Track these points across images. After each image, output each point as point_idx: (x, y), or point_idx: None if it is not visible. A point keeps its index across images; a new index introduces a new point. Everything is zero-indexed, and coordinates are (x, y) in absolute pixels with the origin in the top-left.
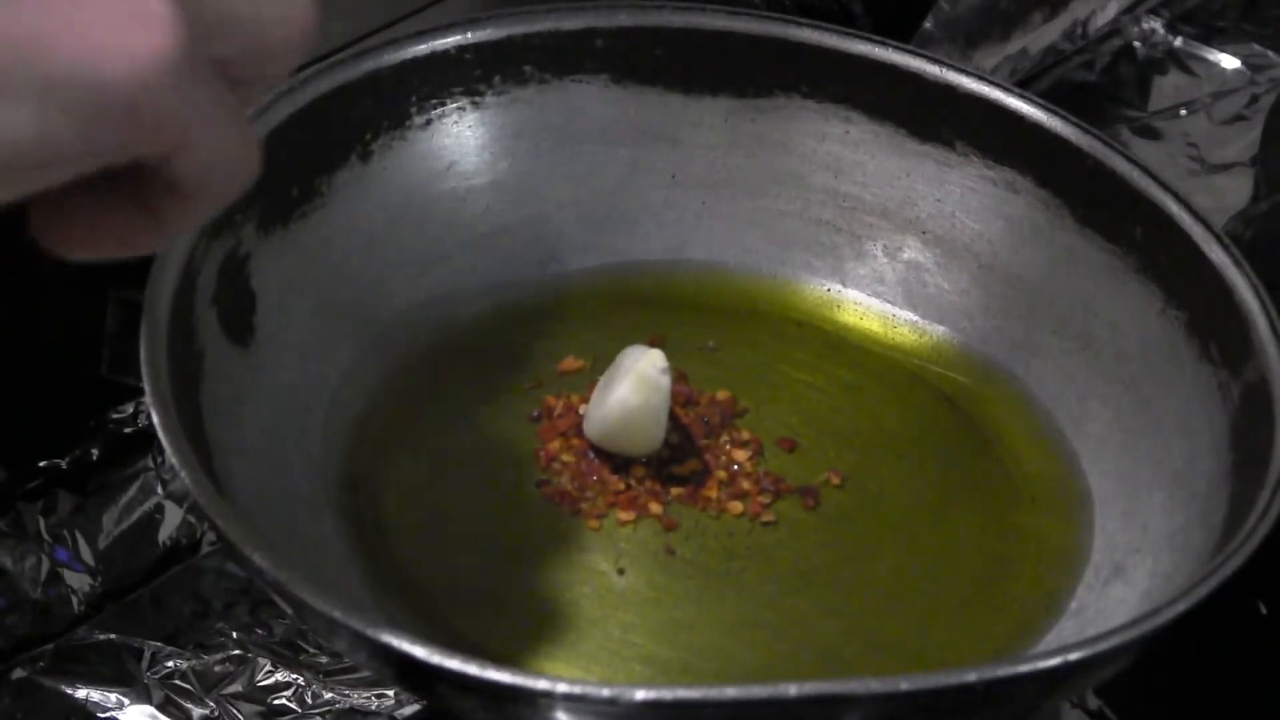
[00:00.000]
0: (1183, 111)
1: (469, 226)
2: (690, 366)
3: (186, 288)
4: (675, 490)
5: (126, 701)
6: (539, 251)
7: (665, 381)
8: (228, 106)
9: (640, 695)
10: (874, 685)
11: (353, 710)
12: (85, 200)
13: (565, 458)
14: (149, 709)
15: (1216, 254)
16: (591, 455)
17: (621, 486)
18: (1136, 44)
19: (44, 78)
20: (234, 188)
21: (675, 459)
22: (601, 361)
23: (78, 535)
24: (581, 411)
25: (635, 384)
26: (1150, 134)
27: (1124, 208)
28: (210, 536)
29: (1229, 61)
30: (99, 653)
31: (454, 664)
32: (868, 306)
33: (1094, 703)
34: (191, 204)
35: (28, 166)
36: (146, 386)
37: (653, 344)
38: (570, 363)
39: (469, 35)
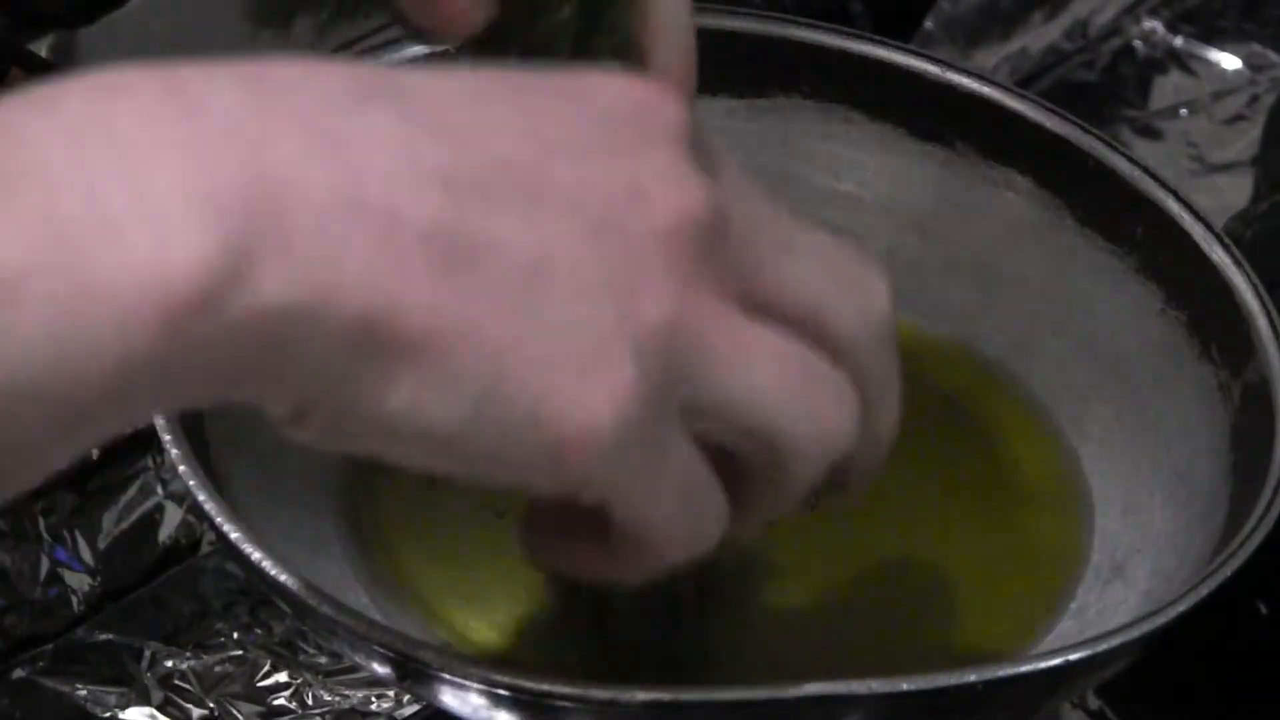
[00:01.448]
0: (1183, 111)
1: None
2: None
3: None
4: None
5: (126, 701)
6: None
7: None
8: (687, 477)
9: (640, 696)
10: (874, 685)
11: (353, 710)
12: (557, 514)
13: None
14: (149, 709)
15: (1217, 254)
16: None
17: None
18: (1137, 44)
19: (506, 420)
20: (682, 552)
21: None
22: None
23: (77, 535)
24: None
25: None
26: (1150, 134)
27: (1124, 208)
28: (210, 536)
29: (1229, 61)
30: (99, 653)
31: (455, 664)
32: None
33: (1094, 703)
34: (638, 553)
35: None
36: None
37: None
38: None
39: None
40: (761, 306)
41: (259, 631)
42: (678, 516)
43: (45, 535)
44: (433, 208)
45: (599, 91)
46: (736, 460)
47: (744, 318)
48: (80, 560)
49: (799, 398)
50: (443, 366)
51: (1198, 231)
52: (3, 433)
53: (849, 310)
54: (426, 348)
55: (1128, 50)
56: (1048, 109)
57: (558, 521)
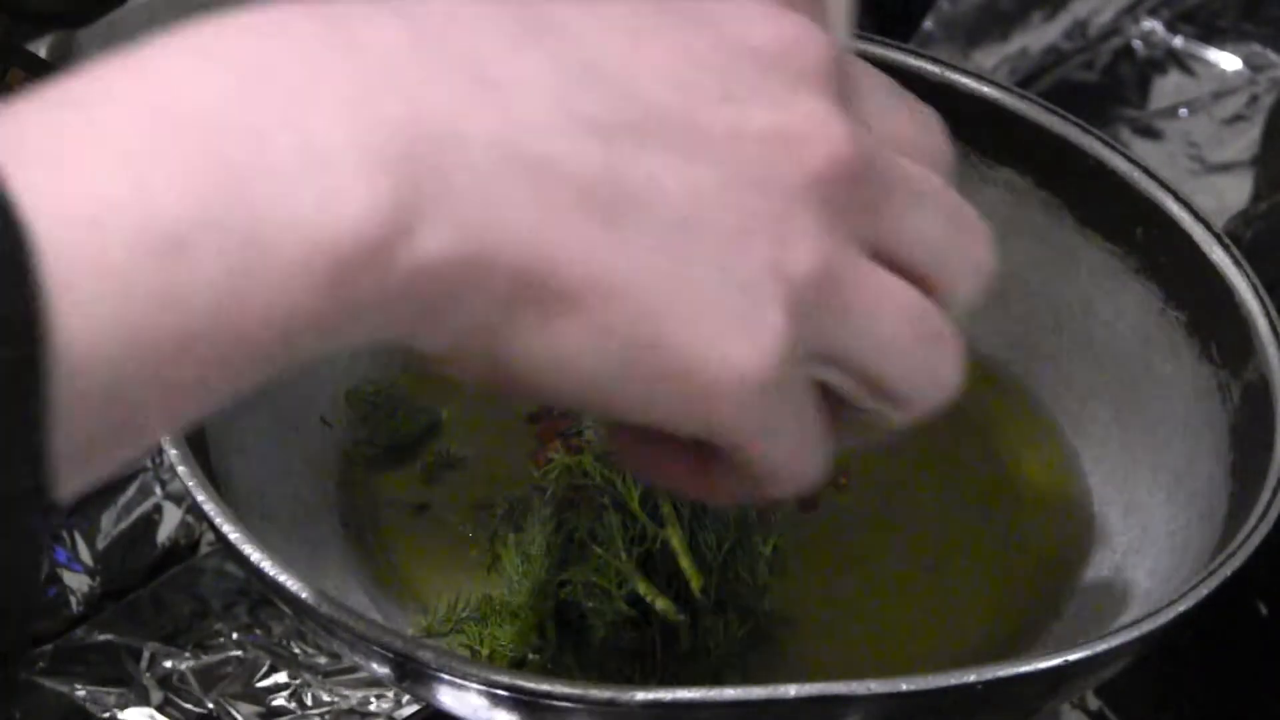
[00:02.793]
0: (1183, 111)
1: None
2: None
3: None
4: None
5: (126, 702)
6: None
7: None
8: (807, 419)
9: (639, 696)
10: (874, 685)
11: (352, 711)
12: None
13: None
14: (148, 709)
15: (1217, 254)
16: None
17: None
18: (1136, 43)
19: (657, 369)
20: (790, 488)
21: None
22: None
23: (76, 536)
24: None
25: None
26: (1150, 134)
27: (1124, 208)
28: (209, 536)
29: (1229, 61)
30: (98, 653)
31: (454, 664)
32: None
33: (1094, 703)
34: (745, 486)
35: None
36: None
37: None
38: None
39: None
40: (885, 253)
41: (259, 631)
42: (794, 456)
43: None
44: (589, 157)
45: (750, 27)
46: (829, 395)
47: (876, 266)
48: (79, 561)
49: (922, 353)
50: (598, 316)
51: (1197, 232)
52: (167, 379)
53: (966, 271)
54: (583, 298)
55: (1127, 50)
56: (1047, 109)
57: (645, 432)
